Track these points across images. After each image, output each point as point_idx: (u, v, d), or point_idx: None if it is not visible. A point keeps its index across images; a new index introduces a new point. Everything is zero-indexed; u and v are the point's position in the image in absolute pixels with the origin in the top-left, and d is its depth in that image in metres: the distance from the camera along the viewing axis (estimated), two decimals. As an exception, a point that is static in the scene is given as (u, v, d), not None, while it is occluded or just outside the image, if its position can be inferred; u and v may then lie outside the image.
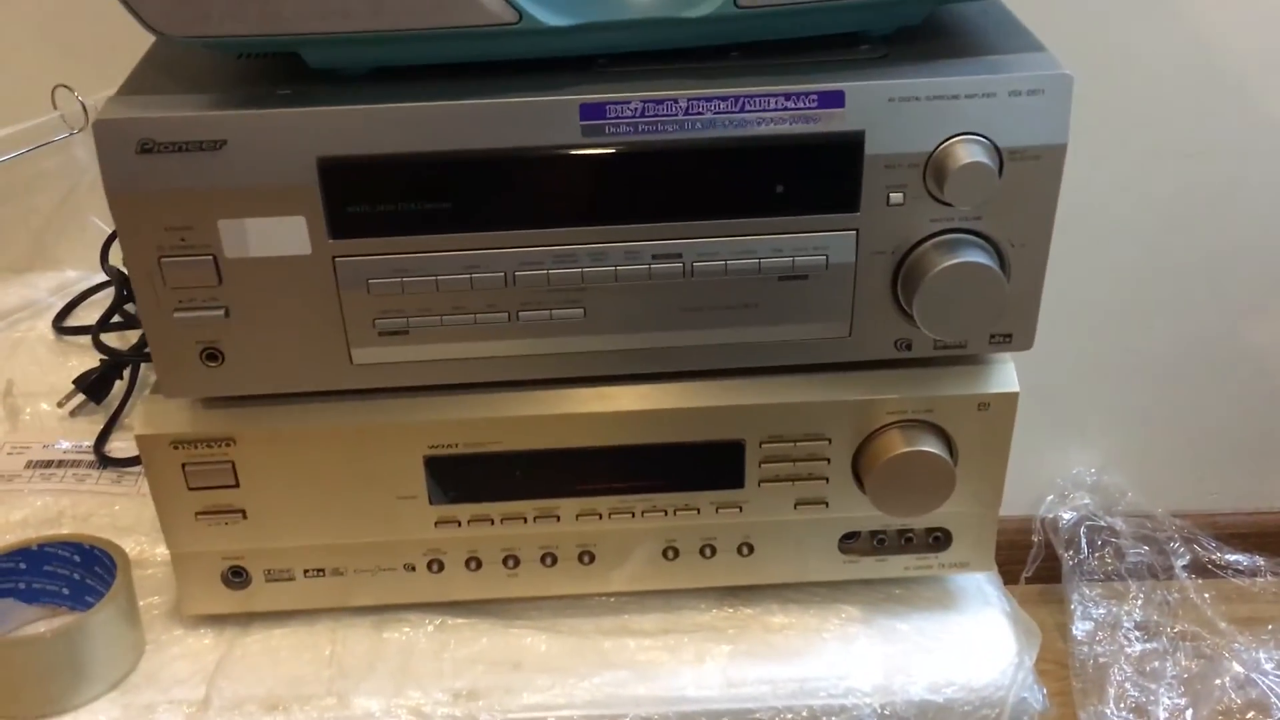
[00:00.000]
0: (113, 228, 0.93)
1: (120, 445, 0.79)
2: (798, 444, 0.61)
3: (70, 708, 0.59)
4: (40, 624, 0.64)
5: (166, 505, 0.60)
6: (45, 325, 0.90)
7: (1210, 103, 1.06)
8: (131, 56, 0.93)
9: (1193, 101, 1.06)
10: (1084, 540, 1.19)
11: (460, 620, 0.64)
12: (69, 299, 0.92)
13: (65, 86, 0.87)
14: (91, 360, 0.84)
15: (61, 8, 0.91)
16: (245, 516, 0.61)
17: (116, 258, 0.91)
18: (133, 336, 0.86)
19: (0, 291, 0.93)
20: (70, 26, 0.92)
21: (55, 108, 0.88)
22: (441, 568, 0.63)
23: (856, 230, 0.55)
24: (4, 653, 0.59)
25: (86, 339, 0.88)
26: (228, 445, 0.59)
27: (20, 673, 0.58)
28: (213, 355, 0.56)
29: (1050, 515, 1.22)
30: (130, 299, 0.87)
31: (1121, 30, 1.02)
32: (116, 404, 0.81)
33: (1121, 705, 1.09)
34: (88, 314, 0.91)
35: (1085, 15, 1.00)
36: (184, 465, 0.59)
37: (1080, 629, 1.15)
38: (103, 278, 0.93)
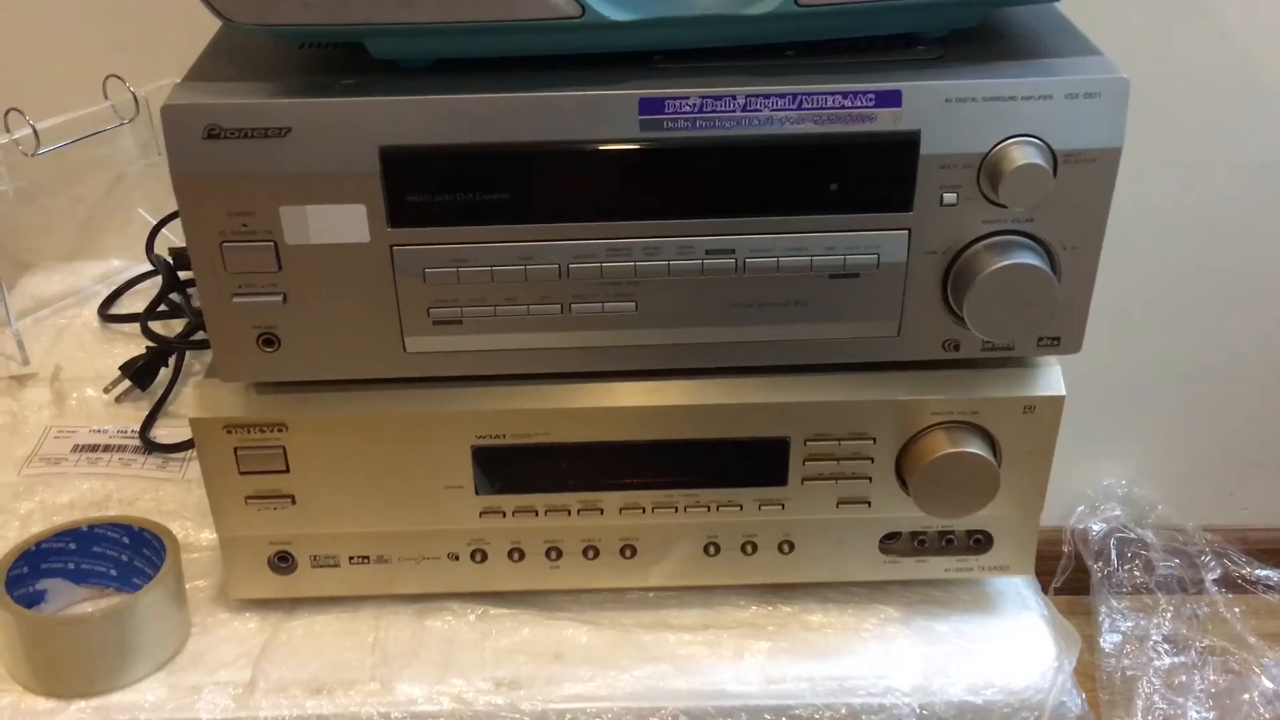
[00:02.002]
0: (157, 218, 0.94)
1: (164, 431, 0.79)
2: (842, 443, 0.61)
3: (118, 686, 0.60)
4: (87, 604, 0.65)
5: (217, 489, 0.61)
6: (91, 313, 0.91)
7: (1255, 115, 1.06)
8: (181, 48, 0.94)
9: (1236, 113, 1.06)
10: (1114, 552, 1.19)
11: (502, 610, 0.65)
12: (114, 287, 0.93)
13: (117, 77, 0.88)
14: (135, 348, 0.85)
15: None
16: (294, 502, 0.61)
17: (162, 247, 0.93)
18: (178, 325, 0.87)
19: (46, 279, 0.95)
20: (120, 18, 0.93)
21: (106, 98, 0.89)
22: (485, 558, 0.64)
23: (909, 230, 0.55)
24: (54, 631, 0.59)
25: (130, 326, 0.89)
26: (280, 430, 0.59)
27: (69, 651, 0.59)
28: (269, 340, 0.57)
29: (1080, 526, 1.21)
30: (176, 287, 0.88)
31: (1170, 38, 1.02)
32: (161, 391, 0.82)
33: (1149, 718, 1.08)
34: (132, 302, 0.92)
35: (1134, 23, 1.00)
36: (236, 449, 0.60)
37: (1108, 641, 1.15)
38: (147, 267, 0.94)
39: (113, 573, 0.65)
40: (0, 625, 0.60)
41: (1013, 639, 0.64)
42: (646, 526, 0.63)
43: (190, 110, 0.51)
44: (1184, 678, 1.13)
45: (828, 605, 0.66)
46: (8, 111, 0.83)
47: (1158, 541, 1.20)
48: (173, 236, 0.95)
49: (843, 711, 0.61)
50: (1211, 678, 1.13)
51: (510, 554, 0.64)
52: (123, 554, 0.65)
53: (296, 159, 0.52)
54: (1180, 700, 1.11)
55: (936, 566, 0.65)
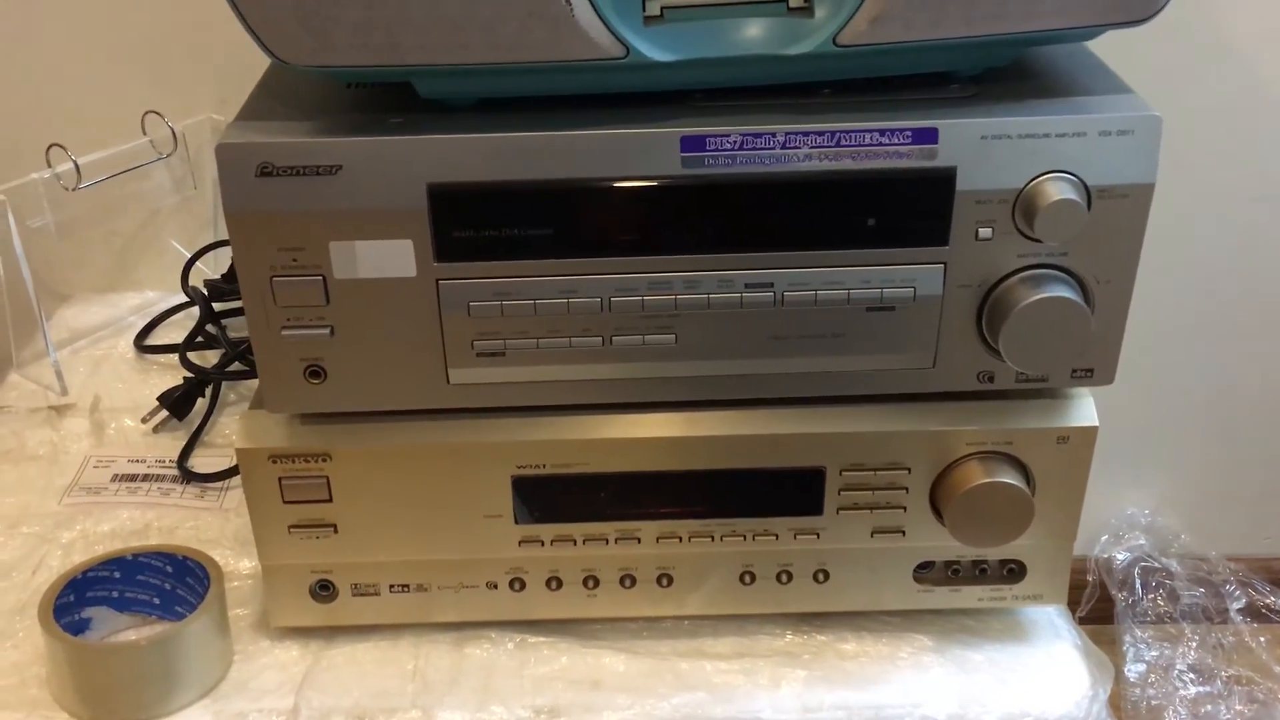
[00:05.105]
0: (191, 251, 0.96)
1: (201, 461, 0.80)
2: (878, 473, 0.62)
3: (164, 713, 0.60)
4: (130, 632, 0.66)
5: (261, 518, 0.62)
6: (127, 344, 0.92)
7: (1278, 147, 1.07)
8: (216, 85, 0.96)
9: (1260, 145, 1.07)
10: (1138, 581, 1.19)
11: (539, 639, 0.65)
12: (149, 319, 0.95)
13: (155, 113, 0.90)
14: (171, 379, 0.87)
15: (149, 38, 0.94)
16: (336, 531, 0.62)
17: (195, 279, 0.94)
18: (213, 356, 0.88)
19: (83, 310, 0.96)
20: (158, 55, 0.95)
21: (145, 133, 0.91)
22: (523, 586, 0.64)
23: (945, 264, 0.56)
24: (102, 658, 0.60)
25: (166, 357, 0.91)
26: (323, 461, 0.60)
27: (117, 678, 0.60)
28: (316, 372, 0.58)
29: (1105, 555, 1.21)
30: (212, 319, 0.89)
31: (1192, 73, 1.03)
32: (199, 421, 0.83)
33: (1176, 748, 1.08)
34: (166, 334, 0.94)
35: (1153, 57, 1.02)
36: (280, 479, 0.61)
37: (1133, 671, 1.15)
38: (181, 299, 0.95)
39: (156, 601, 0.66)
40: (48, 652, 0.61)
41: (1047, 668, 0.65)
42: (683, 555, 0.64)
43: (244, 149, 0.53)
44: (1209, 707, 1.13)
45: (862, 634, 0.66)
46: (50, 147, 0.85)
47: (1182, 571, 1.20)
48: (206, 269, 0.96)
49: (879, 740, 0.61)
50: (1237, 707, 1.13)
51: (548, 583, 0.64)
52: (166, 582, 0.66)
53: (346, 196, 0.53)
54: (1206, 730, 1.11)
55: (970, 596, 0.66)
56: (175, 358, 0.88)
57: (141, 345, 0.92)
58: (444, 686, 0.63)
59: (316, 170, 0.53)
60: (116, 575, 0.65)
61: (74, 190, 0.86)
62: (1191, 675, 1.15)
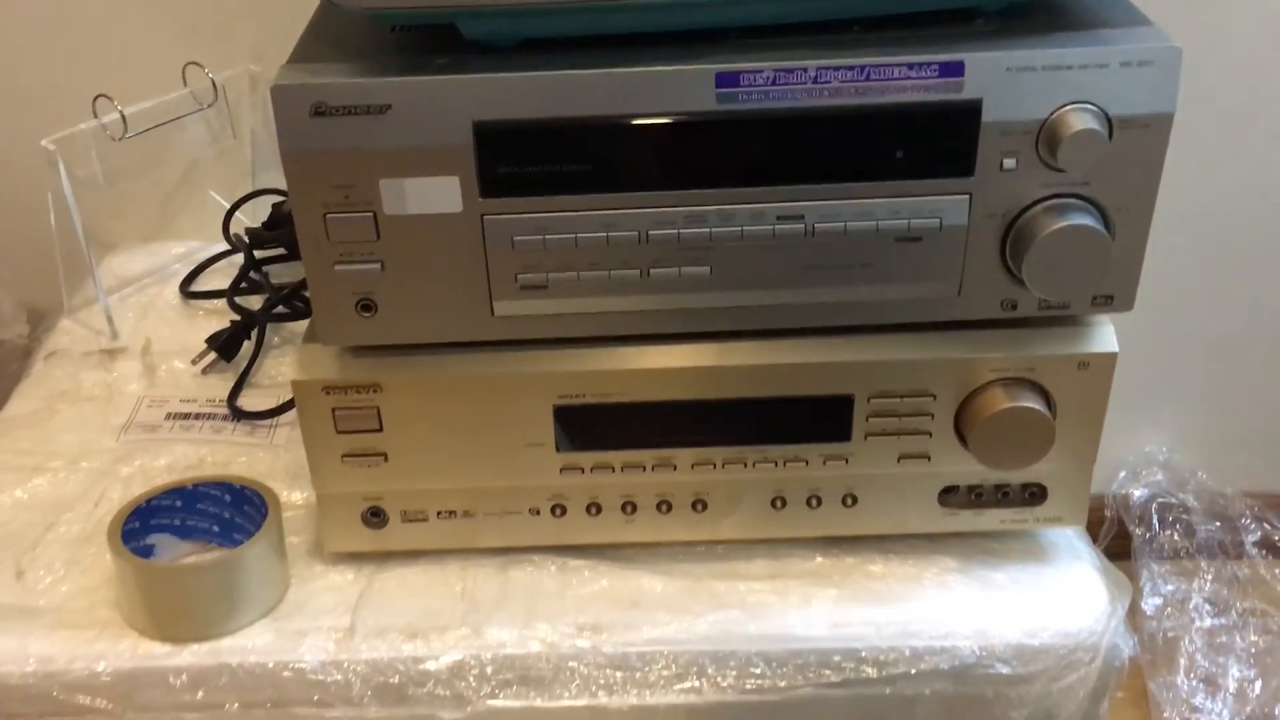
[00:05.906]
0: (229, 201, 0.98)
1: (249, 400, 0.84)
2: (904, 399, 0.64)
3: (228, 631, 0.64)
4: (192, 558, 0.69)
5: (316, 447, 0.65)
6: (172, 290, 0.95)
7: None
8: (253, 36, 0.98)
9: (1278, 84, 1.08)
10: (1155, 517, 1.22)
11: (580, 562, 0.68)
12: (192, 266, 0.97)
13: (196, 64, 0.92)
14: (216, 323, 0.90)
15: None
16: (386, 460, 0.65)
17: (236, 228, 0.97)
18: (256, 301, 0.91)
19: (129, 259, 0.99)
20: (196, 7, 0.97)
21: (185, 84, 0.93)
22: (564, 512, 0.67)
23: (970, 194, 0.58)
24: (170, 579, 0.64)
25: (210, 303, 0.93)
26: (374, 392, 0.63)
27: (184, 598, 0.63)
28: (367, 306, 0.60)
29: (1122, 492, 1.24)
30: (254, 266, 0.92)
31: (1217, 9, 1.03)
32: (245, 362, 0.86)
33: (1192, 675, 1.11)
34: (209, 281, 0.97)
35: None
36: (334, 410, 0.63)
37: (1150, 604, 1.18)
38: (221, 247, 0.98)
39: (215, 529, 0.69)
40: (118, 575, 0.64)
41: (1067, 587, 0.67)
42: (717, 481, 0.67)
43: (299, 90, 0.55)
44: (1224, 639, 1.16)
45: (889, 556, 0.69)
46: (96, 97, 0.87)
47: (1198, 506, 1.22)
48: (245, 218, 0.99)
49: (906, 654, 0.64)
50: (1252, 638, 1.16)
51: (588, 509, 0.67)
52: (225, 511, 0.69)
53: (395, 134, 0.56)
54: (1221, 660, 1.13)
55: (993, 518, 0.68)
56: (219, 304, 0.91)
57: (187, 291, 0.95)
58: (491, 606, 0.66)
59: (367, 110, 0.55)
60: (178, 504, 0.68)
61: (120, 140, 0.88)
62: (1207, 608, 1.18)
